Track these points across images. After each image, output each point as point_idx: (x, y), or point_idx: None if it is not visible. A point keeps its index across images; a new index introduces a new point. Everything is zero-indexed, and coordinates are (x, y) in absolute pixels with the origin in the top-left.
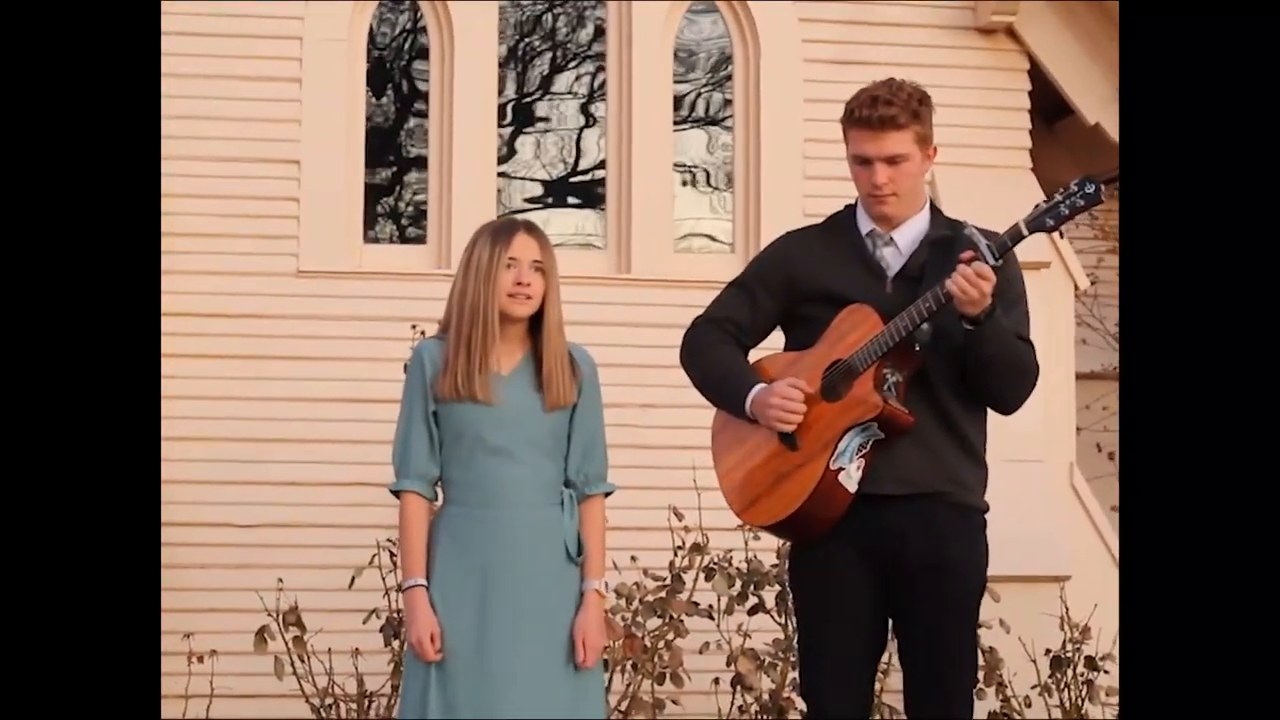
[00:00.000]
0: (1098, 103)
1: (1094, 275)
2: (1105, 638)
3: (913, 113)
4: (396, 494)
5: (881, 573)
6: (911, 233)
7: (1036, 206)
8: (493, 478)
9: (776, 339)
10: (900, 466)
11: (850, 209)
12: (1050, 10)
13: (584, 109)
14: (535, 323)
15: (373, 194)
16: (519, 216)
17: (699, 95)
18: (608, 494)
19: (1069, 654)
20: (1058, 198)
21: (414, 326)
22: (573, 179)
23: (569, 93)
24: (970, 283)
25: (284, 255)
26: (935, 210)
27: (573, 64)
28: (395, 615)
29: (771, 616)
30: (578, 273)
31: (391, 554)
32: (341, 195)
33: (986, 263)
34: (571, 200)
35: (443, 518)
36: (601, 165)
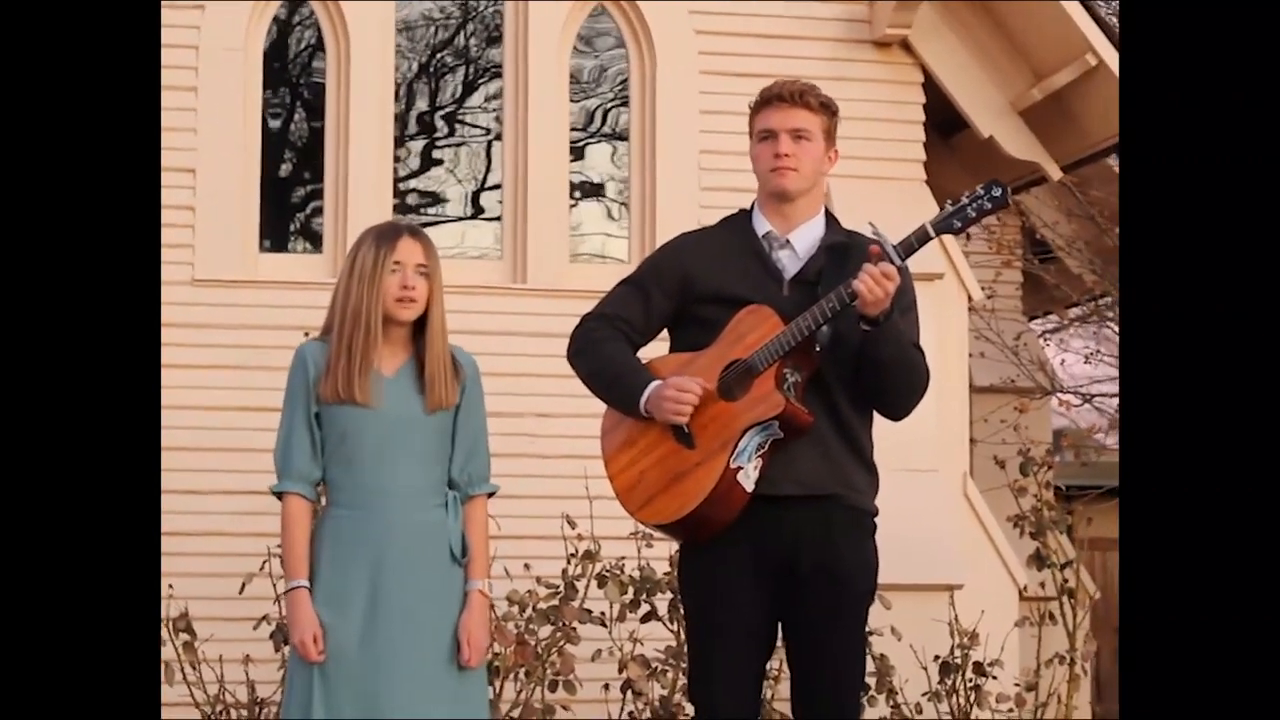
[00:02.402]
0: (992, 116)
1: (991, 290)
2: (993, 643)
3: (823, 104)
4: (278, 496)
5: (773, 575)
6: (808, 237)
7: (943, 208)
8: (376, 480)
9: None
10: (796, 468)
11: (746, 212)
12: (945, 24)
13: (495, 123)
14: (419, 325)
15: (268, 203)
16: (403, 220)
17: (604, 110)
18: (491, 494)
19: (957, 660)
20: (964, 200)
21: (306, 335)
22: (482, 192)
23: (480, 107)
24: (876, 282)
25: (179, 264)
26: (831, 217)
27: (483, 79)
28: (285, 622)
29: (663, 624)
30: (474, 282)
31: (281, 560)
32: (237, 204)
33: (892, 263)
34: (483, 215)
35: (326, 520)
36: None
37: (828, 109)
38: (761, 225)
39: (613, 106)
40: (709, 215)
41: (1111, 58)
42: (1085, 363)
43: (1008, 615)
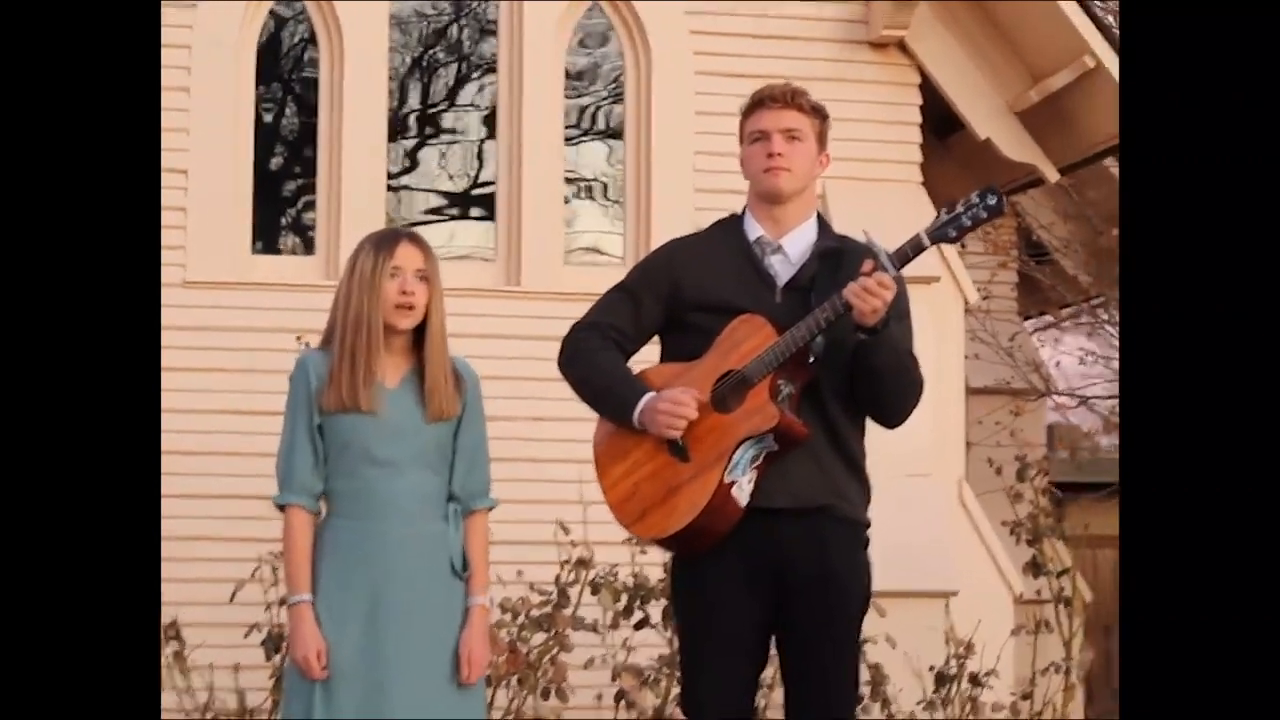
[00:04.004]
0: (989, 118)
1: (986, 291)
2: (989, 654)
3: (814, 108)
4: (280, 508)
5: (766, 587)
6: (800, 242)
7: (938, 216)
8: (378, 491)
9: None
10: (790, 480)
11: (737, 217)
12: (942, 25)
13: (486, 121)
14: (419, 335)
15: (261, 204)
16: (402, 227)
17: (598, 108)
18: (490, 508)
19: (953, 670)
20: (959, 208)
21: (299, 339)
22: (473, 191)
23: (471, 105)
24: (872, 293)
25: (171, 266)
26: (823, 222)
27: (475, 75)
28: (276, 629)
29: (657, 631)
30: (468, 285)
31: (274, 568)
32: (229, 205)
33: (887, 272)
34: (473, 213)
35: (327, 531)
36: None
37: (819, 112)
38: (753, 230)
39: (607, 104)
40: (704, 216)
41: (1110, 60)
42: (1080, 364)
43: (1003, 622)
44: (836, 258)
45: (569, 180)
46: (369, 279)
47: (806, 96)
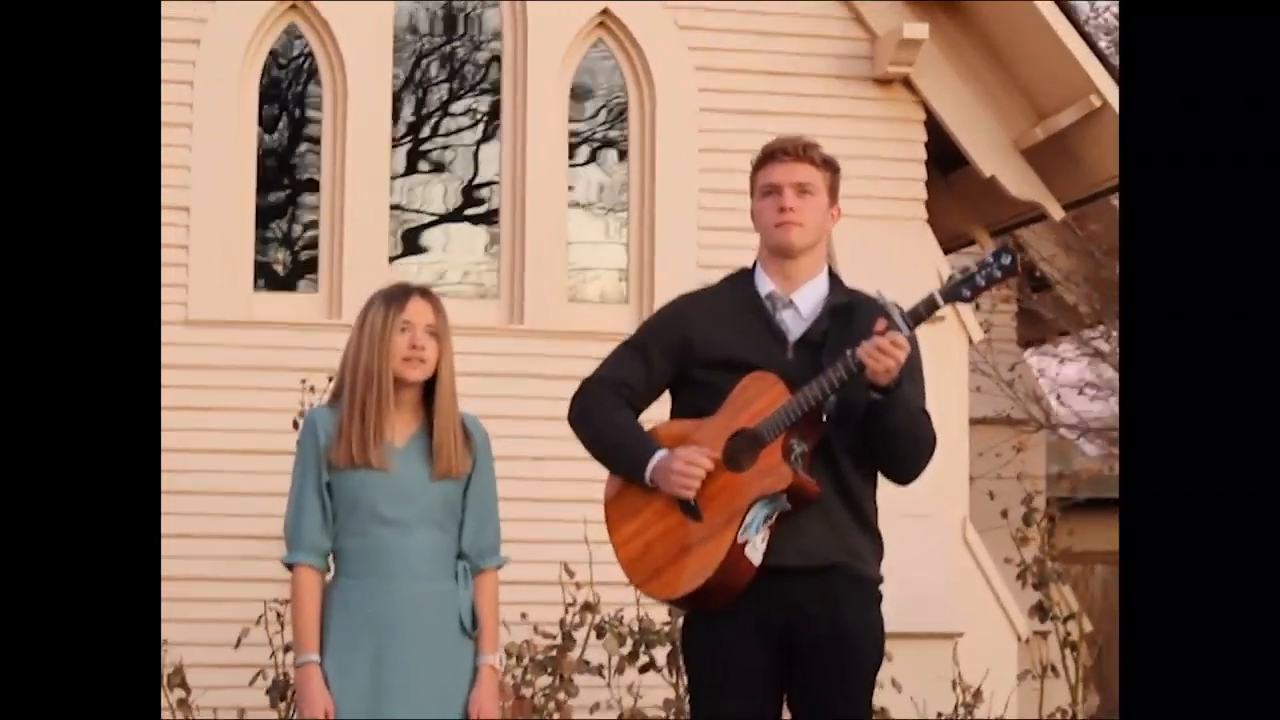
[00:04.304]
0: (994, 155)
1: (987, 323)
2: (997, 701)
3: (825, 161)
4: (289, 566)
5: (778, 645)
6: (812, 297)
7: (951, 277)
8: (387, 549)
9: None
10: (802, 538)
11: (747, 271)
12: (947, 62)
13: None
14: (428, 392)
15: (262, 243)
16: (413, 283)
17: (604, 143)
18: (499, 566)
19: (961, 717)
20: (974, 268)
21: (304, 381)
22: (476, 225)
23: (475, 142)
24: (886, 353)
25: (173, 304)
26: (834, 277)
27: (480, 109)
28: (282, 677)
29: (663, 676)
30: (470, 323)
31: (279, 614)
32: (231, 243)
33: (901, 332)
34: (477, 251)
35: (336, 589)
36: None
37: (830, 165)
38: (764, 285)
39: (613, 141)
40: (708, 255)
41: (1116, 98)
42: (1080, 394)
43: (1008, 663)
44: (848, 313)
45: (573, 206)
46: (379, 333)
47: (818, 149)
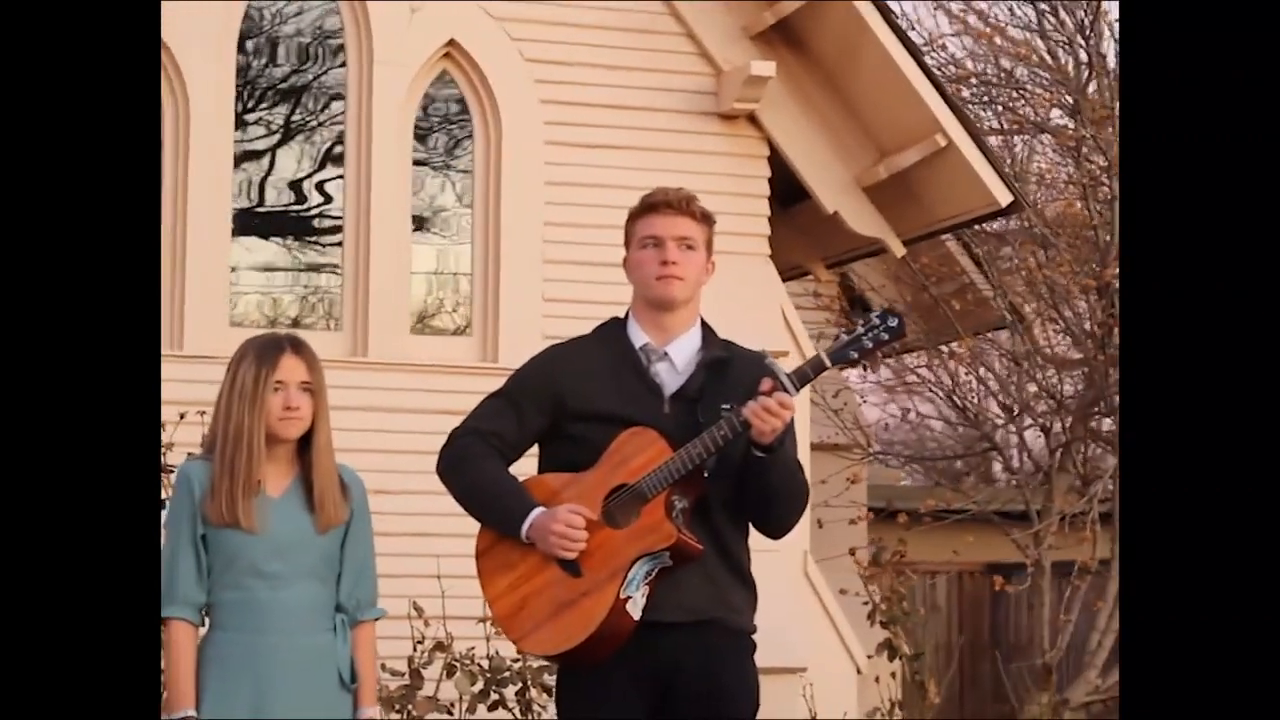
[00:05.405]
0: (837, 191)
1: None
2: None
3: (705, 215)
4: (162, 620)
5: (654, 699)
6: (687, 350)
7: (838, 337)
8: (265, 603)
9: None
10: (681, 593)
11: (619, 321)
12: (792, 100)
13: (331, 185)
14: (304, 440)
15: None
16: (284, 333)
17: (448, 178)
18: (378, 619)
19: None
20: (860, 330)
21: (181, 416)
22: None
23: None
24: (772, 412)
25: None
26: (707, 328)
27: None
28: None
29: (513, 714)
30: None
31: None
32: None
33: (787, 392)
34: (321, 281)
35: (212, 644)
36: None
37: (709, 220)
38: (638, 337)
39: (458, 173)
40: (552, 289)
41: (961, 139)
42: (902, 420)
43: (848, 697)
44: (723, 367)
45: (418, 237)
46: (250, 393)
47: (699, 203)
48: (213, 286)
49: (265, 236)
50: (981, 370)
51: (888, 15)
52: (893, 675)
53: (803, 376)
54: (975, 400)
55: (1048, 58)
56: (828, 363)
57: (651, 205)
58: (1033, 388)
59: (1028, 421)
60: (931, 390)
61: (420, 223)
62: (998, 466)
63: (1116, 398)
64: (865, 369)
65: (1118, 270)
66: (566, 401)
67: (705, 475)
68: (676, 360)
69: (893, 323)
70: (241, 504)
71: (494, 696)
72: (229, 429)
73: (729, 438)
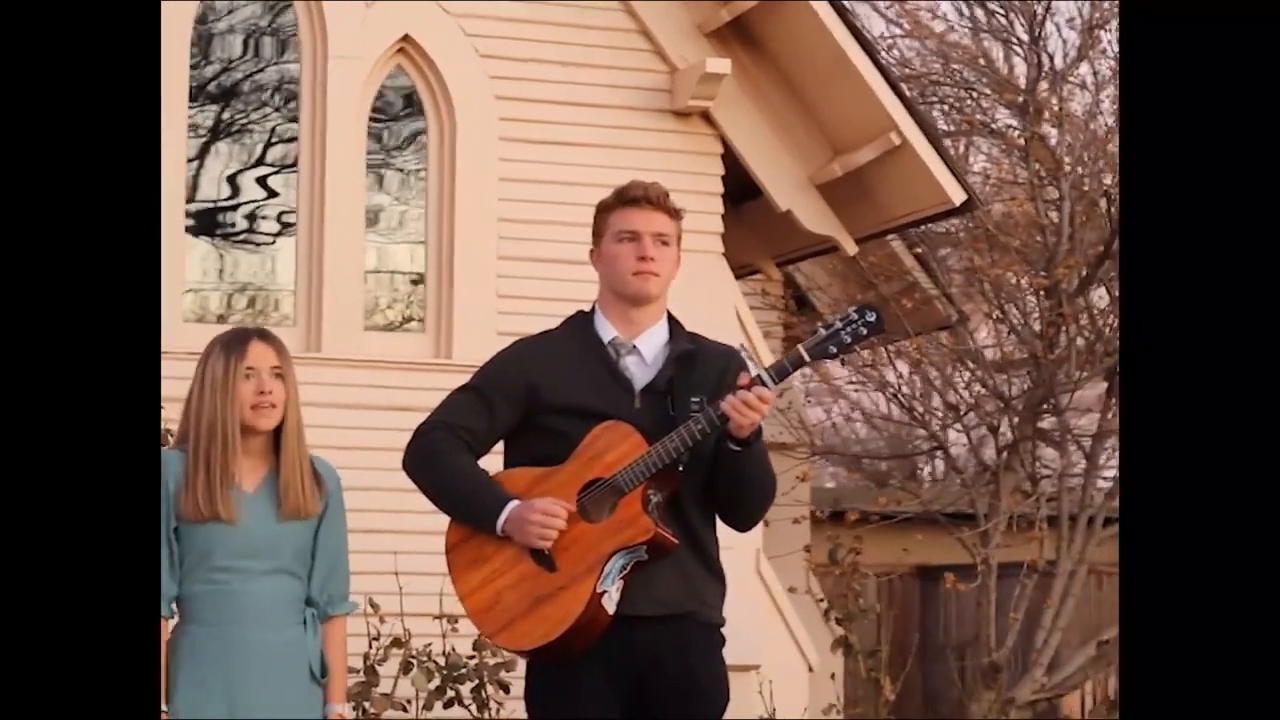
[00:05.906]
0: (790, 189)
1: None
2: None
3: (677, 211)
4: None
5: (628, 693)
6: (655, 343)
7: (817, 332)
8: (235, 595)
9: None
10: (655, 587)
11: (585, 315)
12: (747, 98)
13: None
14: (278, 435)
15: None
16: (251, 325)
17: (403, 172)
18: (349, 614)
19: None
20: (838, 324)
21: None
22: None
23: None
24: (751, 407)
25: None
26: (674, 321)
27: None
28: None
29: (469, 711)
30: None
31: None
32: None
33: (766, 386)
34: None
35: (183, 636)
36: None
37: (680, 215)
38: (606, 331)
39: (412, 168)
40: (506, 285)
41: (915, 137)
42: (847, 420)
43: (799, 693)
44: (691, 361)
45: (371, 233)
46: (221, 382)
47: (671, 198)
48: (166, 284)
49: (212, 235)
50: (931, 372)
51: (843, 13)
52: (832, 675)
53: (781, 371)
54: (919, 399)
55: (999, 61)
56: (807, 358)
57: (630, 199)
58: (979, 387)
59: (975, 421)
60: (876, 390)
61: (374, 218)
62: (928, 470)
63: (1065, 397)
64: (843, 363)
65: (1065, 270)
66: (540, 394)
67: (680, 469)
68: (645, 353)
69: (870, 318)
70: (220, 496)
71: (450, 693)
72: (201, 423)
73: (706, 432)
